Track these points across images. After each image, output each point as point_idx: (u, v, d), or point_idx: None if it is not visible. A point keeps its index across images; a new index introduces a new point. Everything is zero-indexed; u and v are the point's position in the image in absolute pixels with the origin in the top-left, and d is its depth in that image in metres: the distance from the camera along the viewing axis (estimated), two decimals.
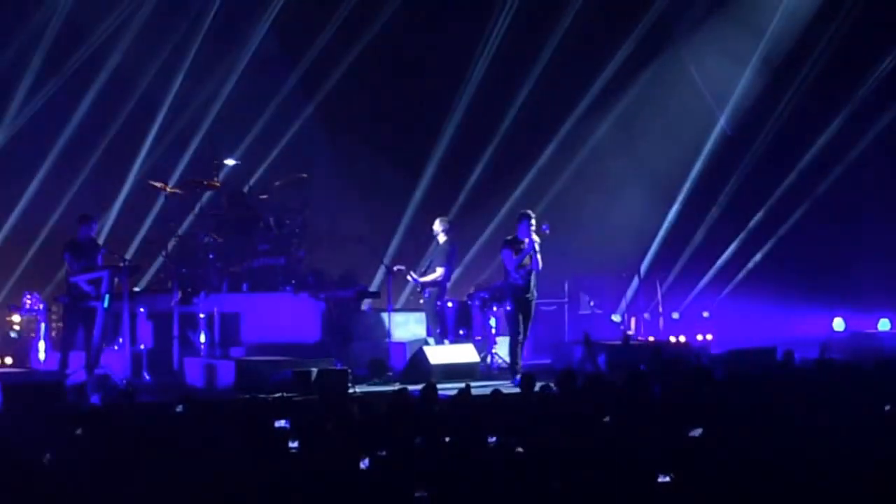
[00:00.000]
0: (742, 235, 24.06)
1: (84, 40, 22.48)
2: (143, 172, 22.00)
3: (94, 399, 14.28)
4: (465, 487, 8.12)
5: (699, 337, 20.71)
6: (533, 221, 17.05)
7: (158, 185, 19.05)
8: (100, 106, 22.69)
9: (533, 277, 17.13)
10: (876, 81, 23.25)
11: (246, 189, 20.89)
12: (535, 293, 17.29)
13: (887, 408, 10.51)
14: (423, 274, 18.92)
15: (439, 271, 18.78)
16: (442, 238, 18.98)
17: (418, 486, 8.12)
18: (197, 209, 19.60)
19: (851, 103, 23.35)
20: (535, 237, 16.99)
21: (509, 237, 17.38)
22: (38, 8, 22.21)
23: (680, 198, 24.27)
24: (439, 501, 7.98)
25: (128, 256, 18.78)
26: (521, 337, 17.13)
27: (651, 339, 20.27)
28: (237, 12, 23.19)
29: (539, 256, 17.03)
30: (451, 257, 18.99)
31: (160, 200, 19.18)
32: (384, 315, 18.98)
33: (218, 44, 23.10)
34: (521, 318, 17.07)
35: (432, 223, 19.10)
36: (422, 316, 19.52)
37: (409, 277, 19.01)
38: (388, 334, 18.60)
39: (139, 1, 22.61)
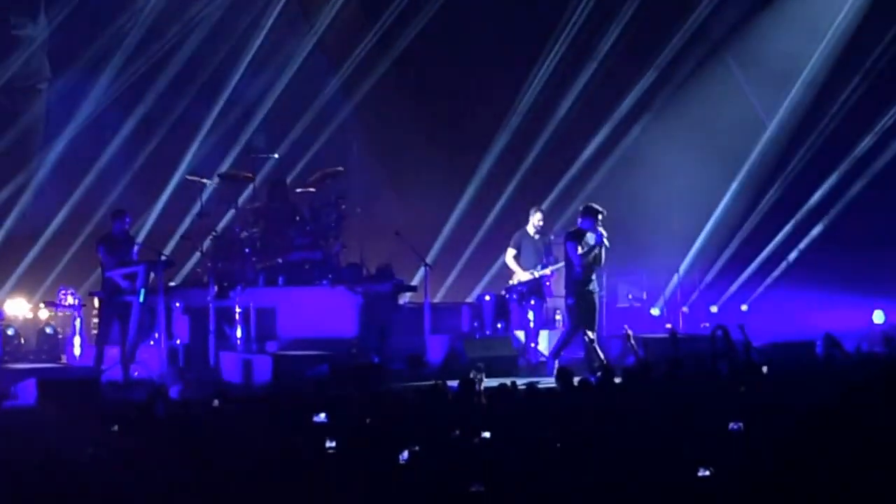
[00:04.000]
0: (783, 232, 23.91)
1: (152, 41, 22.87)
2: (191, 168, 22.20)
3: (174, 392, 14.24)
4: (506, 481, 8.05)
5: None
6: (600, 217, 16.67)
7: (195, 178, 19.39)
8: (158, 104, 23.10)
9: (596, 272, 16.84)
10: None
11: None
12: (598, 287, 17.00)
13: None
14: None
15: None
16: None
17: (457, 480, 8.06)
18: (235, 204, 19.83)
19: None
20: (604, 231, 16.64)
21: (572, 229, 17.05)
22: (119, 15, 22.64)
23: (724, 198, 24.09)
24: (492, 496, 7.90)
25: (165, 251, 18.91)
26: (590, 333, 16.59)
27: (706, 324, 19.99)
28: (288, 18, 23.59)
29: (604, 252, 16.74)
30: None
31: (201, 195, 19.18)
32: (422, 309, 18.87)
33: (271, 45, 23.47)
34: (583, 312, 16.63)
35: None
36: (459, 310, 19.53)
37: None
38: (426, 329, 18.53)
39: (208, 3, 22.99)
